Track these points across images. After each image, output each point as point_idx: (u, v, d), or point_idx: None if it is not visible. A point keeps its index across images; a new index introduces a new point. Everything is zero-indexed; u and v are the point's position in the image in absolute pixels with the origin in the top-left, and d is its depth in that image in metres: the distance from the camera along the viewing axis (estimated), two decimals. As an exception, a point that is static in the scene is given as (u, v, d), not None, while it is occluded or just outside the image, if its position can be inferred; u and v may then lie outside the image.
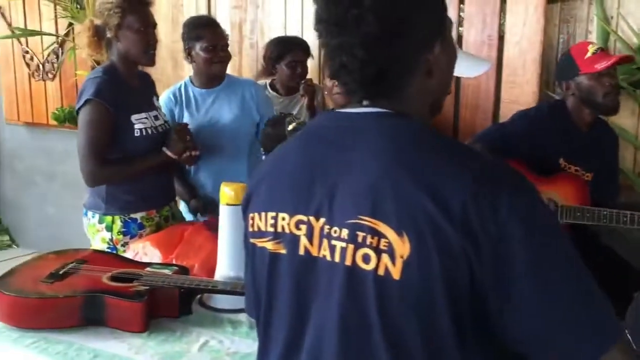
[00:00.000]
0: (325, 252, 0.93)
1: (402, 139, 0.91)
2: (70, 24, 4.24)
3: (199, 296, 1.83)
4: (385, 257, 0.86)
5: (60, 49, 4.44)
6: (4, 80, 4.89)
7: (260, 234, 1.01)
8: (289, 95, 3.03)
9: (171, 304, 1.72)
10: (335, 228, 0.91)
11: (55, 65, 4.50)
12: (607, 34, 2.62)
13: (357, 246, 0.89)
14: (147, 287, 1.70)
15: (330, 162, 0.95)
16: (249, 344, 1.58)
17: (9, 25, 4.65)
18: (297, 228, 0.96)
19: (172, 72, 3.87)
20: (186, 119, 2.65)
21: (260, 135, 2.43)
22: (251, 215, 1.04)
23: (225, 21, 3.52)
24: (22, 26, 4.51)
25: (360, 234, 0.88)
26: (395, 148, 0.90)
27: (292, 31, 3.40)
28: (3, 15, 4.71)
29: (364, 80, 0.92)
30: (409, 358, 0.86)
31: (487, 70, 2.18)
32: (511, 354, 0.86)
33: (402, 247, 0.85)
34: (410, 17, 0.91)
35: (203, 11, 3.78)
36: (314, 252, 0.94)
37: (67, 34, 4.32)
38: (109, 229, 2.35)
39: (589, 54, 2.24)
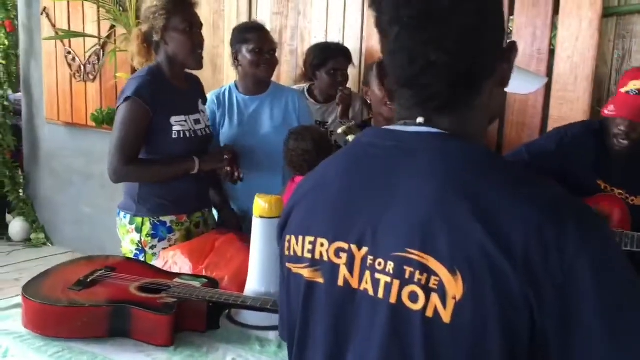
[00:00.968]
0: (367, 286, 0.84)
1: (459, 164, 0.82)
2: (113, 27, 4.26)
3: (227, 310, 1.77)
4: (435, 297, 0.77)
5: (101, 50, 4.47)
6: (46, 80, 4.94)
7: (297, 259, 0.94)
8: (326, 103, 2.97)
9: (198, 318, 1.66)
10: (380, 260, 0.83)
11: (97, 67, 4.53)
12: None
13: (404, 282, 0.80)
14: (175, 300, 1.64)
15: (375, 185, 0.86)
16: (277, 365, 1.51)
17: (54, 26, 4.71)
18: (337, 256, 0.88)
19: (212, 76, 3.85)
20: (226, 124, 2.60)
21: (284, 147, 2.37)
22: (287, 237, 0.97)
23: (266, 26, 3.47)
24: (65, 27, 4.55)
25: (408, 269, 0.80)
26: (450, 174, 0.81)
27: (334, 38, 3.34)
28: (48, 16, 4.77)
29: (452, 80, 0.82)
30: None
31: (541, 87, 2.07)
32: None
33: (455, 287, 0.76)
34: (499, 10, 0.86)
35: (244, 16, 3.75)
36: (354, 284, 0.86)
37: (109, 36, 4.34)
38: (139, 230, 2.33)
39: (624, 89, 2.09)
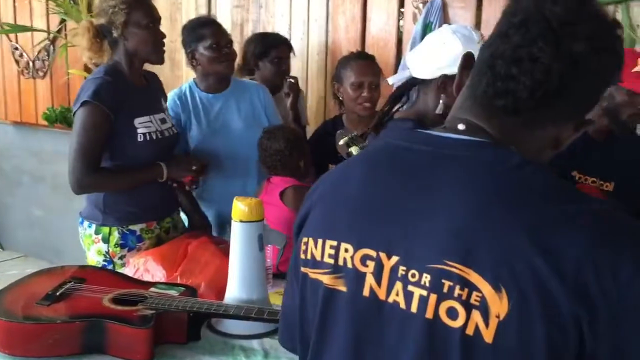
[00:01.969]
0: (398, 298, 0.79)
1: (504, 175, 0.77)
2: (63, 20, 4.07)
3: (207, 319, 1.69)
4: (476, 314, 0.72)
5: (51, 46, 4.27)
6: (-9, 77, 4.71)
7: (315, 263, 0.88)
8: (272, 93, 2.89)
9: (179, 329, 1.58)
10: (414, 271, 0.77)
11: (47, 63, 4.33)
12: (633, 42, 2.51)
13: (442, 297, 0.75)
14: (153, 311, 1.55)
15: (408, 191, 0.81)
16: (266, 376, 1.44)
17: (-2, 20, 4.48)
18: (364, 264, 0.82)
19: (170, 72, 3.72)
20: (194, 125, 2.49)
21: (258, 147, 2.29)
22: (304, 239, 0.90)
23: (226, 21, 3.38)
24: (11, 21, 4.33)
25: (447, 283, 0.74)
26: (495, 185, 0.76)
27: (298, 32, 3.27)
28: (-8, 10, 4.53)
29: (538, 84, 0.76)
30: None
31: None
32: None
33: (499, 304, 0.71)
34: (604, 87, 0.85)
35: (203, 9, 3.64)
36: (382, 296, 0.80)
37: (59, 31, 4.14)
38: (106, 240, 2.20)
39: (638, 68, 2.09)
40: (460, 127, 0.83)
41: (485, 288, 0.72)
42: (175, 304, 1.59)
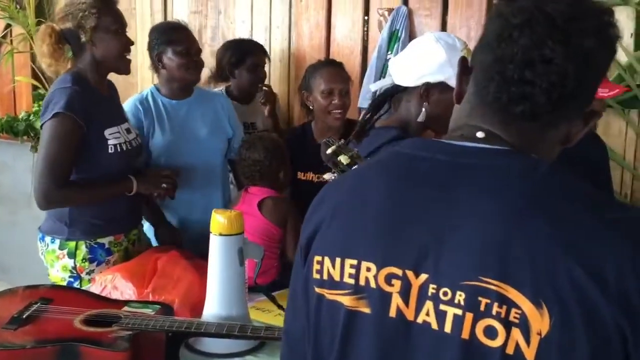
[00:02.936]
0: (429, 318, 0.74)
1: (534, 183, 0.74)
2: (9, 25, 3.88)
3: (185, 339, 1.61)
4: (516, 332, 0.69)
5: (-5, 52, 4.06)
6: None
7: (333, 284, 0.82)
8: (248, 103, 2.82)
9: (156, 351, 1.52)
10: (446, 289, 0.73)
11: (-10, 69, 4.12)
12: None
13: (479, 315, 0.71)
14: (129, 332, 1.47)
15: (431, 203, 0.77)
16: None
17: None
18: (389, 283, 0.77)
19: (124, 78, 3.57)
20: (157, 132, 2.40)
21: (235, 157, 2.22)
22: (317, 258, 0.85)
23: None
24: (-49, 26, 4.11)
25: (483, 301, 0.70)
26: (525, 194, 0.73)
27: (259, 39, 3.20)
28: None
29: (553, 84, 0.74)
30: None
31: None
32: None
33: (540, 321, 0.68)
34: (601, 74, 0.83)
35: (159, 16, 3.54)
36: (410, 316, 0.76)
37: (4, 37, 3.95)
38: (72, 255, 2.09)
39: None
40: (480, 135, 0.80)
41: (525, 304, 0.68)
42: (152, 324, 1.52)
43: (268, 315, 1.79)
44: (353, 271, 0.80)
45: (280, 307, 1.76)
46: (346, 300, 0.81)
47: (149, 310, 1.62)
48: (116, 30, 2.07)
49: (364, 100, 2.77)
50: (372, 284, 0.78)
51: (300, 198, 2.21)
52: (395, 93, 1.67)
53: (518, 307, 0.69)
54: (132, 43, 2.14)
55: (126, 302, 1.69)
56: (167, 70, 2.41)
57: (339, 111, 2.35)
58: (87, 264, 2.07)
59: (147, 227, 2.44)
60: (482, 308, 0.70)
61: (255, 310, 1.81)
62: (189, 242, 2.32)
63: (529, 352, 0.68)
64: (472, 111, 0.83)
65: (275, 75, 3.23)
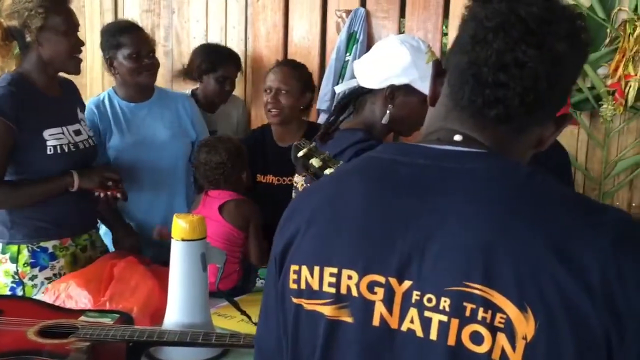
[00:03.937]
0: (414, 326, 0.73)
1: (515, 185, 0.73)
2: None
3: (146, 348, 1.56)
4: (501, 338, 0.68)
5: None
6: None
7: (312, 293, 0.80)
8: (211, 111, 2.76)
9: (116, 361, 1.45)
10: (430, 295, 0.72)
11: None
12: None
13: (464, 321, 0.70)
14: (88, 343, 1.41)
15: (414, 209, 0.75)
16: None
17: None
18: (371, 291, 0.75)
19: (74, 79, 3.47)
20: (115, 136, 2.32)
21: (193, 161, 2.17)
22: (294, 267, 0.82)
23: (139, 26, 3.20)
24: None
25: (469, 306, 0.69)
26: (508, 197, 0.72)
27: (215, 39, 3.16)
28: None
29: (527, 88, 0.74)
30: None
31: None
32: None
33: (525, 325, 0.67)
34: (573, 79, 0.84)
35: (109, 15, 3.44)
36: (394, 324, 0.74)
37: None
38: (14, 260, 2.00)
39: None
40: (457, 138, 0.79)
41: (510, 309, 0.68)
42: (112, 334, 1.46)
43: (231, 321, 1.75)
44: (333, 280, 0.78)
45: (243, 312, 1.73)
46: (327, 310, 0.78)
47: (108, 319, 1.56)
48: (65, 30, 1.98)
49: (322, 102, 2.77)
50: (354, 293, 0.76)
51: (260, 201, 2.18)
52: (359, 95, 1.66)
53: (503, 312, 0.68)
54: (82, 44, 2.06)
55: (83, 312, 1.62)
56: (120, 75, 2.34)
57: (268, 108, 2.35)
58: (28, 268, 1.99)
59: (105, 232, 2.36)
60: (467, 313, 0.70)
61: (217, 316, 1.77)
62: (149, 248, 2.26)
63: (515, 357, 0.67)
64: (447, 114, 0.82)
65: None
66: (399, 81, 1.58)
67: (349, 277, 0.77)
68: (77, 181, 2.02)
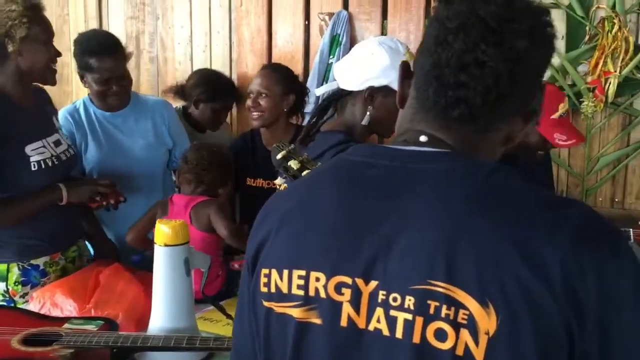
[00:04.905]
0: (380, 325, 0.74)
1: (478, 184, 0.74)
2: None
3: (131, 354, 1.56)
4: (464, 334, 0.69)
5: None
6: None
7: (281, 296, 0.81)
8: (202, 132, 2.71)
9: (101, 368, 1.45)
10: (395, 295, 0.73)
11: None
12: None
13: (428, 319, 0.71)
14: (72, 351, 1.41)
15: (380, 210, 0.76)
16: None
17: None
18: (339, 292, 0.76)
19: (59, 87, 3.45)
20: (90, 145, 2.31)
21: (180, 162, 2.15)
22: (265, 271, 0.83)
23: (120, 33, 3.18)
24: None
25: (432, 304, 0.70)
26: (470, 195, 0.73)
27: (199, 45, 3.17)
28: None
29: (488, 88, 0.75)
30: None
31: None
32: None
33: (487, 321, 0.68)
34: (539, 75, 0.84)
35: (94, 22, 3.43)
36: (361, 324, 0.75)
37: None
38: (4, 278, 1.96)
39: (556, 115, 1.98)
40: (423, 139, 0.80)
41: (472, 304, 0.69)
42: (95, 340, 1.46)
43: (217, 325, 1.76)
44: (302, 282, 0.79)
45: (228, 316, 1.73)
46: (296, 312, 0.79)
47: (92, 326, 1.56)
48: (45, 40, 1.95)
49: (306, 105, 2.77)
50: (322, 294, 0.77)
51: (250, 204, 2.18)
52: (340, 97, 1.67)
53: (465, 308, 0.69)
54: (60, 54, 2.02)
55: (67, 319, 1.62)
56: (90, 92, 2.32)
57: (250, 111, 2.36)
58: (19, 287, 1.96)
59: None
60: (431, 311, 0.71)
61: (203, 320, 1.77)
62: (127, 259, 2.24)
63: (478, 352, 0.68)
64: (414, 116, 0.83)
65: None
66: (377, 83, 1.59)
67: (317, 279, 0.78)
68: (66, 196, 1.99)
